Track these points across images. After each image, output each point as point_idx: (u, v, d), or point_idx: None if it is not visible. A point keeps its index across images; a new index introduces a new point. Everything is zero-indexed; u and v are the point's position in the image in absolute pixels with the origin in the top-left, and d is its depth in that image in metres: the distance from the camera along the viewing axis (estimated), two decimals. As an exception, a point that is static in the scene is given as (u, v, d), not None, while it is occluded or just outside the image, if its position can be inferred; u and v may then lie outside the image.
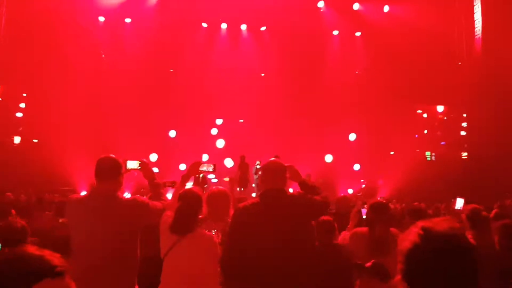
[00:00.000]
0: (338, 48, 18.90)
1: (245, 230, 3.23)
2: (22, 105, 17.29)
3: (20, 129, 17.55)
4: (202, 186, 3.99)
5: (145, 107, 16.95)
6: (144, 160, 3.97)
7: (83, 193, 13.61)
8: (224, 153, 17.23)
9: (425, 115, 20.19)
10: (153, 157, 16.74)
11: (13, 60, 15.34)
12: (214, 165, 4.08)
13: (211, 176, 14.53)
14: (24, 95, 17.32)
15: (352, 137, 17.75)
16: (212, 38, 18.67)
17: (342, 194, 14.57)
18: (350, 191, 16.77)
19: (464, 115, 18.62)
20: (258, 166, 14.87)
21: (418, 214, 5.17)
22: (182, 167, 16.42)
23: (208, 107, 17.60)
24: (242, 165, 14.84)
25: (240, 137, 17.24)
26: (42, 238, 4.80)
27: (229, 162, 16.88)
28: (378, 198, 14.07)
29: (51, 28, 15.91)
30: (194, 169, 4.04)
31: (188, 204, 3.40)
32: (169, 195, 3.95)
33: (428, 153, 18.90)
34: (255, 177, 14.59)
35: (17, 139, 17.11)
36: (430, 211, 9.71)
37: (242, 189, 14.45)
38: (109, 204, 3.36)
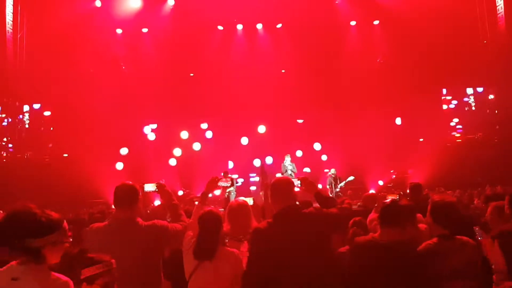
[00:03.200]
0: (357, 39, 18.62)
1: (264, 253, 3.19)
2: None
3: (50, 145, 17.96)
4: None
5: (169, 113, 17.12)
6: (161, 182, 3.99)
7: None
8: (252, 153, 17.19)
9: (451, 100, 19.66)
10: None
11: (36, 79, 15.71)
12: (232, 180, 4.04)
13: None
14: (48, 114, 17.68)
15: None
16: (229, 40, 18.67)
17: (370, 191, 14.48)
18: (381, 182, 16.53)
19: (491, 96, 18.11)
20: (287, 162, 14.73)
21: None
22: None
23: (232, 108, 17.62)
24: (263, 173, 15.16)
25: (265, 135, 17.22)
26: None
27: (257, 162, 16.90)
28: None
29: (71, 45, 16.23)
30: (212, 186, 4.01)
31: (208, 228, 3.39)
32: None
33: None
34: (286, 173, 14.50)
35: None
36: (464, 199, 9.53)
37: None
38: (129, 231, 3.41)
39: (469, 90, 19.09)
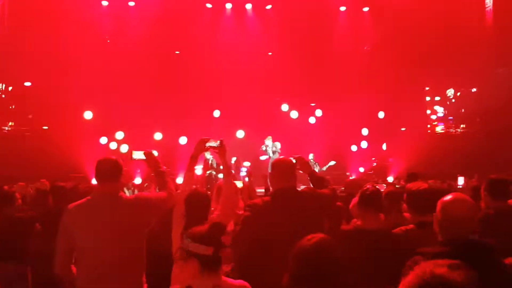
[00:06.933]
0: (346, 25, 18.54)
1: (256, 227, 3.25)
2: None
3: (30, 116, 17.61)
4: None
5: (152, 90, 16.85)
6: (149, 150, 3.94)
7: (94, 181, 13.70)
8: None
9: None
10: (158, 135, 16.61)
11: (18, 51, 15.29)
12: (221, 141, 3.93)
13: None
14: (28, 84, 17.25)
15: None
16: (217, 19, 18.39)
17: (351, 176, 14.55)
18: (361, 169, 16.67)
19: (474, 89, 18.35)
20: (269, 145, 14.52)
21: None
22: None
23: (215, 88, 17.40)
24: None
25: (248, 116, 17.04)
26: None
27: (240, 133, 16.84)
28: (392, 179, 14.03)
29: (54, 17, 15.80)
30: (200, 147, 3.94)
31: (196, 210, 3.44)
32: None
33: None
34: (267, 153, 14.36)
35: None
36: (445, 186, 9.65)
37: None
38: (113, 205, 3.35)
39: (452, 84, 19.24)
